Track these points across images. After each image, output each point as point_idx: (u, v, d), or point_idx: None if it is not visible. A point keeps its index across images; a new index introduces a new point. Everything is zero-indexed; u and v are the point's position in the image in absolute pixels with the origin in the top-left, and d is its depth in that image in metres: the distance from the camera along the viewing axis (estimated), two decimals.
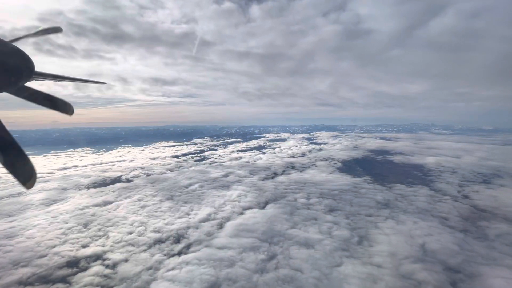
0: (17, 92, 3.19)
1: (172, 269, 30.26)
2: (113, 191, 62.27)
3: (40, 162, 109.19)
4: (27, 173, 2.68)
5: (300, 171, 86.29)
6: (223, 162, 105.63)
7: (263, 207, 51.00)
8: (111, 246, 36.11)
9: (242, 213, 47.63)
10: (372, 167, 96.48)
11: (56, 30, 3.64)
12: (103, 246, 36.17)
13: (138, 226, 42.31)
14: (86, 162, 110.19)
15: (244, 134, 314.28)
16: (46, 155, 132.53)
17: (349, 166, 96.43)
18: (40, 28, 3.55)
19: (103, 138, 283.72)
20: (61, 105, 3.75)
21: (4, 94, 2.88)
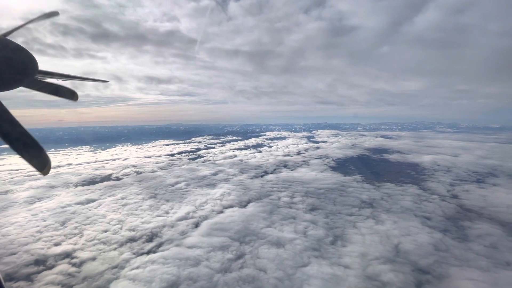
0: (30, 85, 3.38)
1: (137, 268, 30.08)
2: (100, 189, 62.49)
3: None
4: (43, 161, 2.77)
5: (291, 170, 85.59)
6: (216, 160, 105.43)
7: (245, 206, 50.59)
8: (83, 244, 36.11)
9: (221, 212, 47.31)
10: (365, 165, 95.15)
11: (53, 14, 3.71)
12: (75, 244, 36.19)
13: (115, 225, 42.29)
14: (81, 160, 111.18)
15: (245, 132, 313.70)
16: None
17: (342, 165, 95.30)
18: (38, 16, 3.61)
19: (105, 137, 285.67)
20: (66, 92, 4.02)
21: (9, 93, 2.94)
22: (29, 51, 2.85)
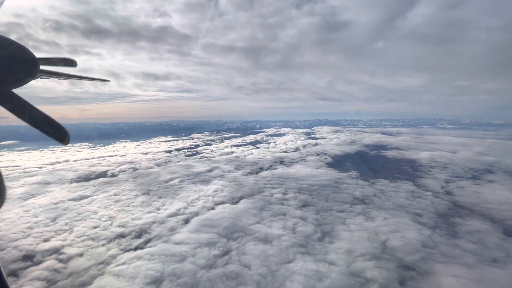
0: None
1: (123, 264, 30.21)
2: (94, 186, 62.72)
3: (34, 157, 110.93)
4: (63, 134, 2.97)
5: (287, 166, 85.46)
6: (213, 157, 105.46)
7: (236, 202, 50.59)
8: (72, 240, 36.30)
9: (212, 208, 47.35)
10: (362, 162, 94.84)
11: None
12: (63, 240, 36.39)
13: (105, 221, 42.44)
14: (78, 156, 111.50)
15: (245, 129, 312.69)
16: (42, 150, 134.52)
17: (338, 161, 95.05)
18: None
19: (105, 133, 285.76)
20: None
21: None
22: (31, 50, 2.89)
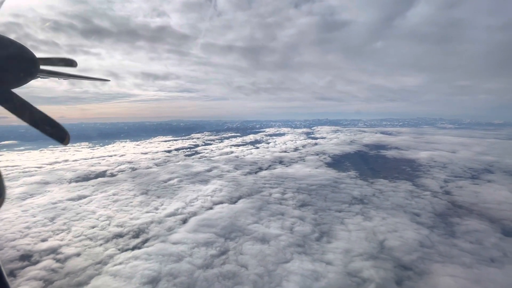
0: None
1: (120, 263, 30.19)
2: (92, 186, 62.69)
3: (33, 157, 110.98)
4: (63, 134, 3.04)
5: (286, 166, 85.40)
6: (212, 156, 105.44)
7: (235, 202, 50.58)
8: (69, 240, 36.29)
9: (211, 208, 47.32)
10: (361, 161, 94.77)
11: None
12: (61, 240, 36.38)
13: (103, 221, 42.43)
14: (78, 156, 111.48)
15: (245, 128, 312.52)
16: (42, 150, 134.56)
17: (338, 161, 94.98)
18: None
19: (105, 133, 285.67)
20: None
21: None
22: (29, 49, 2.91)
